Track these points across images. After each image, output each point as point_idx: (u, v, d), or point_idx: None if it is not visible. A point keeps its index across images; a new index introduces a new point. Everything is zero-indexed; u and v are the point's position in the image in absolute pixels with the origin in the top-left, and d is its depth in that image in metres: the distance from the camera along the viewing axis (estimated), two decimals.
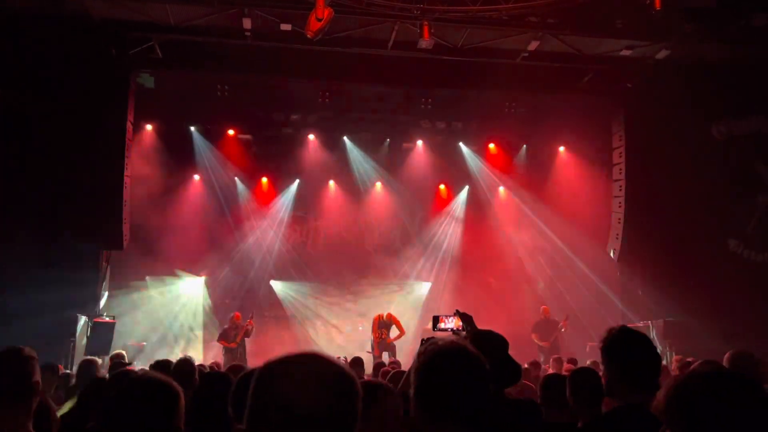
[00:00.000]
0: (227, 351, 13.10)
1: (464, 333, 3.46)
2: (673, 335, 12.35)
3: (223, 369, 7.50)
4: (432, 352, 1.89)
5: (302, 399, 1.45)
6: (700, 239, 13.05)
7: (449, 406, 1.85)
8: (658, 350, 2.92)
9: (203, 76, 14.18)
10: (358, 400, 1.54)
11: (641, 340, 2.84)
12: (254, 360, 12.87)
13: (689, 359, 6.89)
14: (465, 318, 3.55)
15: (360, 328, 16.24)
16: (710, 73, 12.69)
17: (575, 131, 15.55)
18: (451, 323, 3.53)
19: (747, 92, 13.11)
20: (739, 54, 12.62)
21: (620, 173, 13.86)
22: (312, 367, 1.52)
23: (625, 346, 2.81)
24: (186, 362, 5.48)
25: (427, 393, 1.88)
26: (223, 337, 13.34)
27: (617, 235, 13.82)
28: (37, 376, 2.81)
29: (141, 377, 2.28)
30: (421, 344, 1.96)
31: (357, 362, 8.73)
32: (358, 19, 11.55)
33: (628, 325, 3.17)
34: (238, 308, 14.36)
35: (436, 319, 3.51)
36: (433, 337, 1.87)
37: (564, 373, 6.30)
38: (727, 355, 4.24)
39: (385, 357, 12.74)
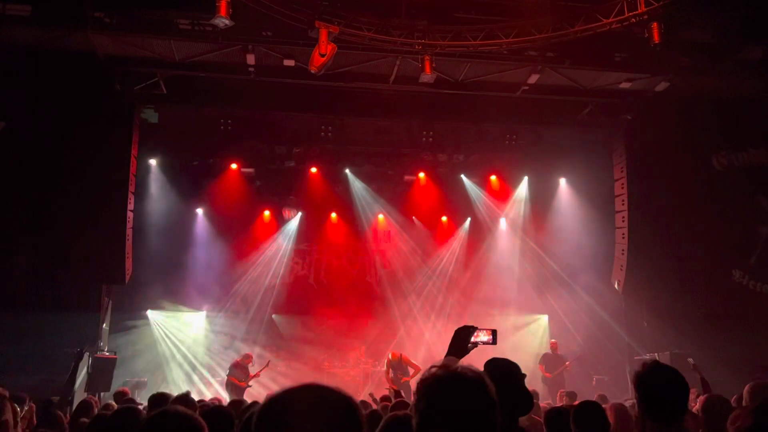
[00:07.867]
0: (235, 388, 13.06)
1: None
2: (680, 368, 12.18)
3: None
4: (432, 379, 1.87)
5: (308, 429, 1.46)
6: (704, 270, 13.03)
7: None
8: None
9: (206, 110, 14.31)
10: (362, 426, 1.54)
11: (671, 375, 2.85)
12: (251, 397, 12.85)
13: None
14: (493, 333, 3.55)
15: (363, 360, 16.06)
16: (709, 106, 12.82)
17: (576, 163, 15.61)
18: (484, 337, 3.51)
19: (746, 125, 13.22)
20: (737, 87, 12.76)
21: (623, 204, 13.87)
22: (315, 397, 1.53)
23: (654, 381, 2.81)
24: (184, 398, 5.46)
25: (428, 419, 1.84)
26: (234, 375, 13.34)
27: (621, 266, 13.76)
28: (7, 415, 2.75)
29: (170, 412, 2.25)
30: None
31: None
32: (360, 55, 11.73)
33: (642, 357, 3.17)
34: (240, 341, 14.24)
35: (462, 330, 3.39)
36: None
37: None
38: (746, 388, 4.32)
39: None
